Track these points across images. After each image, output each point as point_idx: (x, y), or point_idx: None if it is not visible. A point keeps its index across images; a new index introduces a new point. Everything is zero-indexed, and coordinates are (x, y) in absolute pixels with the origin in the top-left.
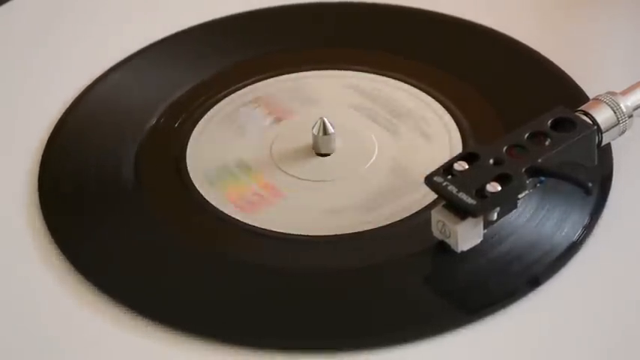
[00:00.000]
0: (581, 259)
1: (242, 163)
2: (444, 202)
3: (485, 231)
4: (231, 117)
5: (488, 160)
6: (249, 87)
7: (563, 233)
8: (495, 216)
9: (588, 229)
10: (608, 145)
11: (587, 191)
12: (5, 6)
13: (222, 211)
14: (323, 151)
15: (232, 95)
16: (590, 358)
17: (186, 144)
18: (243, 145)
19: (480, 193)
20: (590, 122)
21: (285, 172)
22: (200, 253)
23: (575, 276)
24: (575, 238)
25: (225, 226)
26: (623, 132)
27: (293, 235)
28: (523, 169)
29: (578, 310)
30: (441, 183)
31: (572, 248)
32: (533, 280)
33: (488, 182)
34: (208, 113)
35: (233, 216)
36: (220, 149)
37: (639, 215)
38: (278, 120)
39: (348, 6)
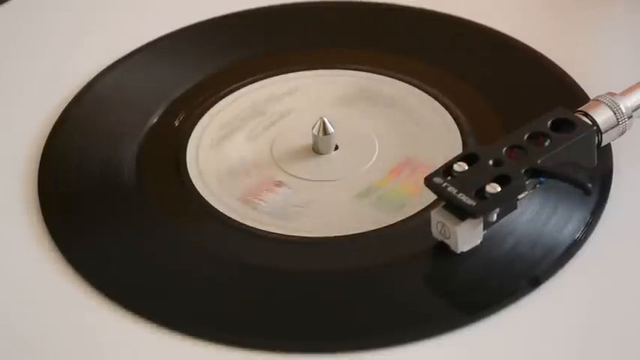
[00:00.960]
0: (583, 258)
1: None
2: (443, 203)
3: (485, 232)
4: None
5: (488, 160)
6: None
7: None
8: (495, 217)
9: (590, 227)
10: (608, 145)
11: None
12: (5, 6)
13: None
14: (323, 151)
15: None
16: (593, 357)
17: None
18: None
19: (480, 194)
20: (590, 123)
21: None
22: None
23: (577, 275)
24: (577, 236)
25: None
26: (622, 133)
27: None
28: (523, 170)
29: (580, 309)
30: (440, 184)
31: (574, 247)
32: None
33: (488, 183)
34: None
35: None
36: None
37: (639, 214)
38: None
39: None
